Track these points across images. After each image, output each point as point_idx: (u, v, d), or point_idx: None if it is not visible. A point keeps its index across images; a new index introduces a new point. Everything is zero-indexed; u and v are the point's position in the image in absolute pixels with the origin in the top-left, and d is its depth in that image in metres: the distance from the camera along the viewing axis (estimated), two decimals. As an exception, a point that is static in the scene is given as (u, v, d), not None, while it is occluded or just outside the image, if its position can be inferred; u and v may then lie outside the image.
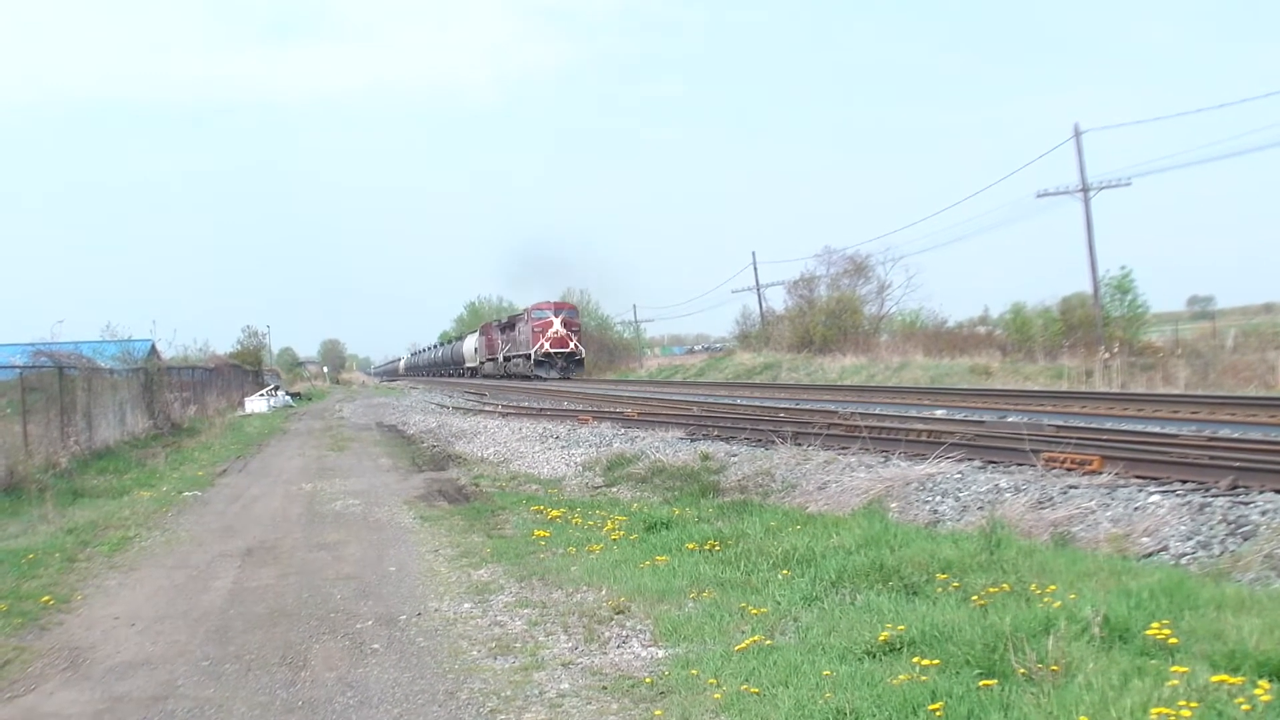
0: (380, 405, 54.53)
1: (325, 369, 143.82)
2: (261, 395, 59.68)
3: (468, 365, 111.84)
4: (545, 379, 72.42)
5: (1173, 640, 6.94)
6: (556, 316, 77.75)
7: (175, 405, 39.04)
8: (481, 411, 38.56)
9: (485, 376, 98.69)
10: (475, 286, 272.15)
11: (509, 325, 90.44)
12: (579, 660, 8.22)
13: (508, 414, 35.09)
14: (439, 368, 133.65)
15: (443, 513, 16.28)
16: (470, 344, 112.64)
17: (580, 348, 78.31)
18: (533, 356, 75.97)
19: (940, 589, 8.96)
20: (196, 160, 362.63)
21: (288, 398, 65.00)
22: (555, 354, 76.37)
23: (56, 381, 25.28)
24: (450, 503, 17.39)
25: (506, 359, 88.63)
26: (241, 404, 56.51)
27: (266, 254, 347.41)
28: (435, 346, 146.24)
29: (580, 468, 20.67)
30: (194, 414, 42.33)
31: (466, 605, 10.21)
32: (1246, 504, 10.55)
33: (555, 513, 15.07)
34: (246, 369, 76.83)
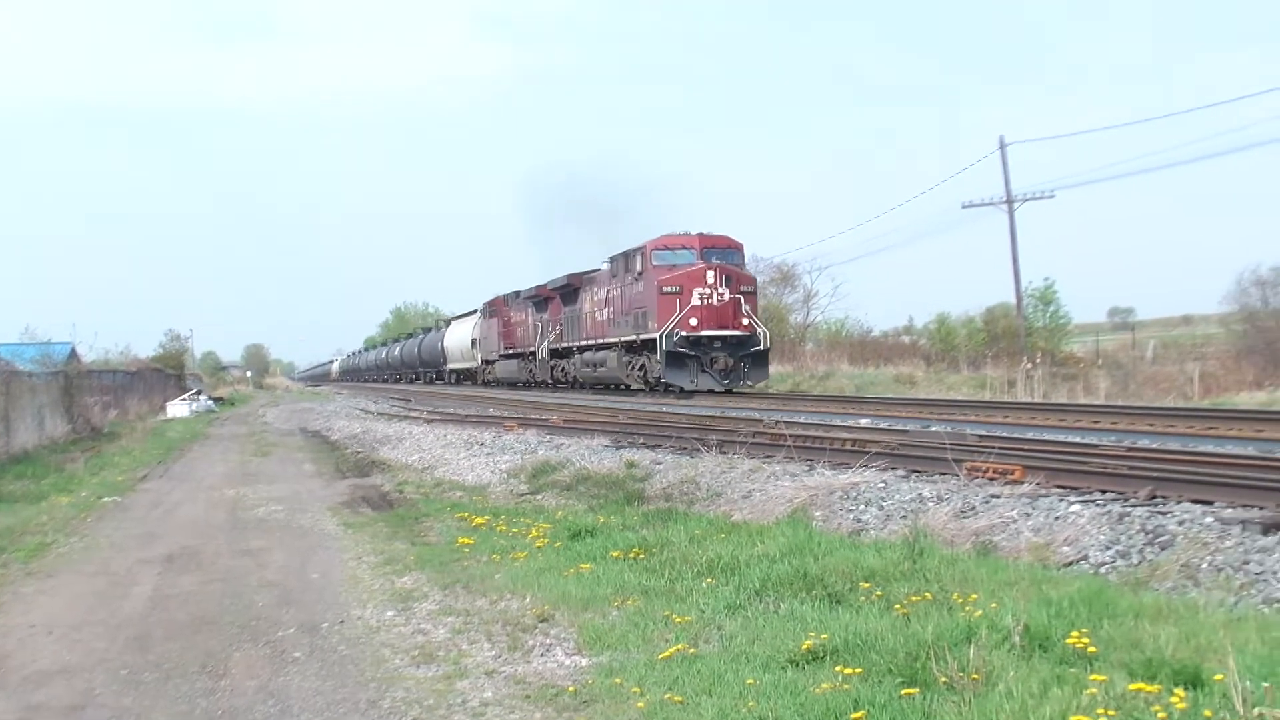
0: (304, 410, 54.14)
1: (249, 374, 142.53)
2: (184, 400, 59.01)
3: (453, 367, 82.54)
4: (690, 391, 40.21)
5: (1092, 649, 7.01)
6: (709, 264, 41.10)
7: (96, 409, 38.62)
8: (407, 418, 38.37)
9: (494, 384, 67.77)
10: (402, 293, 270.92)
11: (565, 293, 54.01)
12: (502, 669, 8.19)
13: (433, 420, 34.94)
14: (392, 371, 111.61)
15: (366, 519, 16.19)
16: (460, 334, 79.61)
17: (760, 327, 41.77)
18: (662, 345, 40.23)
19: (863, 598, 9.00)
20: (118, 161, 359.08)
21: (210, 402, 64.28)
22: (714, 339, 40.46)
23: (-28, 385, 24.92)
24: (374, 509, 17.30)
25: (560, 354, 55.30)
26: (163, 408, 55.85)
27: (190, 257, 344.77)
28: (391, 344, 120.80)
29: (505, 475, 20.61)
30: (115, 418, 41.91)
31: (390, 613, 10.16)
32: (1164, 514, 10.67)
33: (480, 520, 15.01)
34: (169, 373, 76.06)
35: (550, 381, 57.06)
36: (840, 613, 8.59)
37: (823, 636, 7.70)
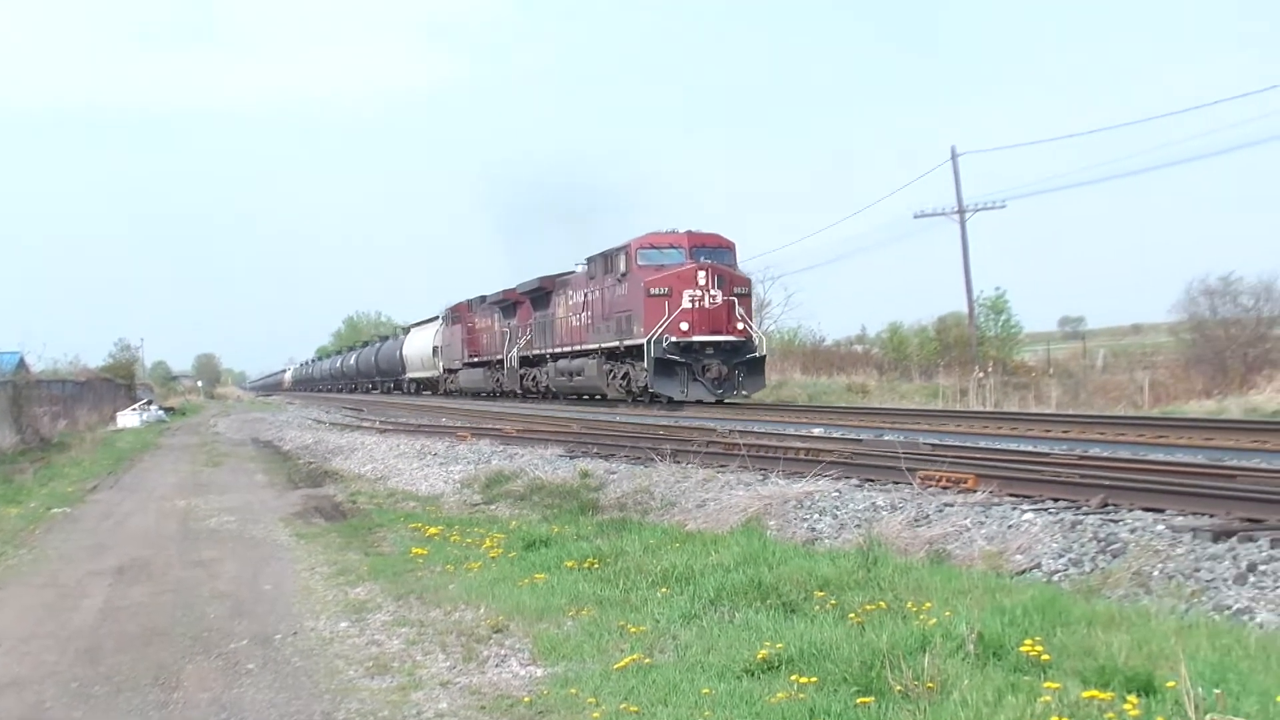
0: (256, 420, 53.82)
1: (200, 383, 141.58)
2: (134, 410, 58.65)
3: (413, 376, 79.26)
4: (679, 401, 37.21)
5: (1045, 657, 7.04)
6: (699, 264, 38.19)
7: (44, 420, 38.31)
8: (359, 428, 38.21)
9: (457, 395, 65.28)
10: (355, 302, 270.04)
11: (536, 297, 50.96)
12: (457, 680, 8.16)
13: (385, 430, 34.80)
14: (347, 380, 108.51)
15: (319, 530, 16.11)
16: (421, 342, 76.57)
17: (757, 333, 39.71)
18: (649, 352, 37.16)
19: (818, 607, 9.02)
20: (68, 168, 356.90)
21: (161, 412, 63.84)
22: (706, 345, 37.37)
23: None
24: (327, 520, 17.22)
25: (531, 362, 52.08)
26: (114, 419, 55.47)
27: (140, 267, 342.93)
28: (347, 352, 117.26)
29: (459, 485, 20.55)
30: (64, 429, 41.55)
31: (343, 624, 10.11)
32: (1116, 521, 10.74)
33: (433, 530, 14.96)
34: (119, 383, 75.48)
35: (520, 392, 53.96)
36: (795, 622, 8.61)
37: (778, 646, 7.71)
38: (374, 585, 11.70)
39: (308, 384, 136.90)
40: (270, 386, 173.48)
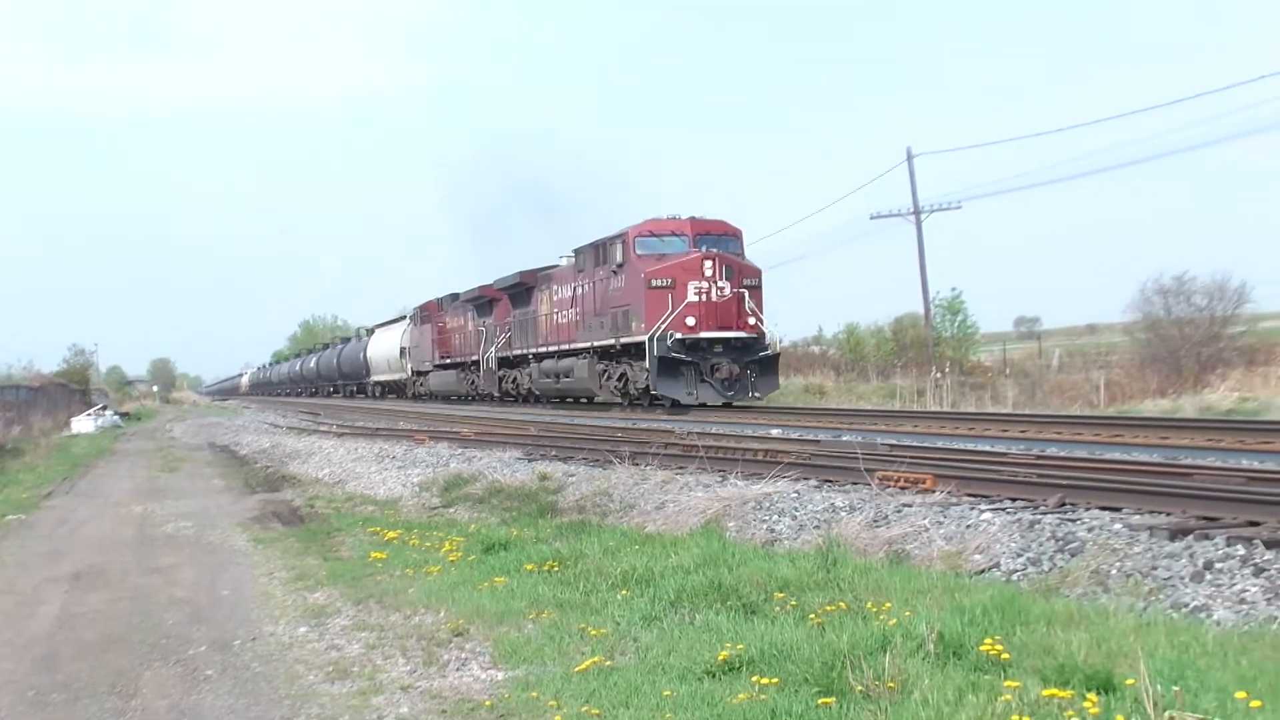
0: (212, 425, 53.56)
1: (155, 388, 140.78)
2: (89, 415, 58.26)
3: (378, 380, 76.45)
4: (685, 406, 34.11)
5: (1005, 656, 7.07)
6: (705, 253, 34.92)
7: (-2, 425, 38.04)
8: (316, 431, 38.08)
9: (425, 398, 62.81)
10: (311, 306, 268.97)
11: (516, 294, 48.10)
12: (418, 684, 8.12)
13: (343, 434, 34.69)
14: (307, 384, 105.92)
15: (277, 535, 16.03)
16: (387, 344, 73.29)
17: (769, 329, 35.52)
18: (651, 350, 33.86)
19: (778, 608, 9.03)
20: (21, 174, 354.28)
21: (116, 417, 63.44)
22: (714, 343, 34.35)
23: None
24: (285, 525, 17.13)
25: (510, 363, 49.16)
26: (68, 424, 55.11)
27: (94, 271, 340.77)
28: (306, 355, 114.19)
29: (417, 488, 20.50)
30: (18, 434, 41.26)
31: (302, 629, 10.06)
32: (1074, 521, 10.79)
33: (392, 534, 14.91)
34: (73, 388, 75.07)
35: (498, 395, 50.80)
36: (756, 623, 8.61)
37: (739, 647, 7.71)
38: (333, 590, 11.64)
39: (265, 388, 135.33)
40: (226, 391, 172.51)
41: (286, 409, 69.51)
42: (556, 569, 11.52)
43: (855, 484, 14.19)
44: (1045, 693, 6.26)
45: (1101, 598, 8.96)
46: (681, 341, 33.86)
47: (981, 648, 7.18)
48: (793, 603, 9.09)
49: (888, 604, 8.59)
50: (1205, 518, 10.28)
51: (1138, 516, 10.66)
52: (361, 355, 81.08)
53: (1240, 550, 9.08)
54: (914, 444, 18.85)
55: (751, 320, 34.82)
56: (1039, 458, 15.74)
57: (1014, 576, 10.01)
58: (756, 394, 35.08)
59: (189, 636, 10.01)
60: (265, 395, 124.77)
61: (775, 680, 7.01)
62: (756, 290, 35.54)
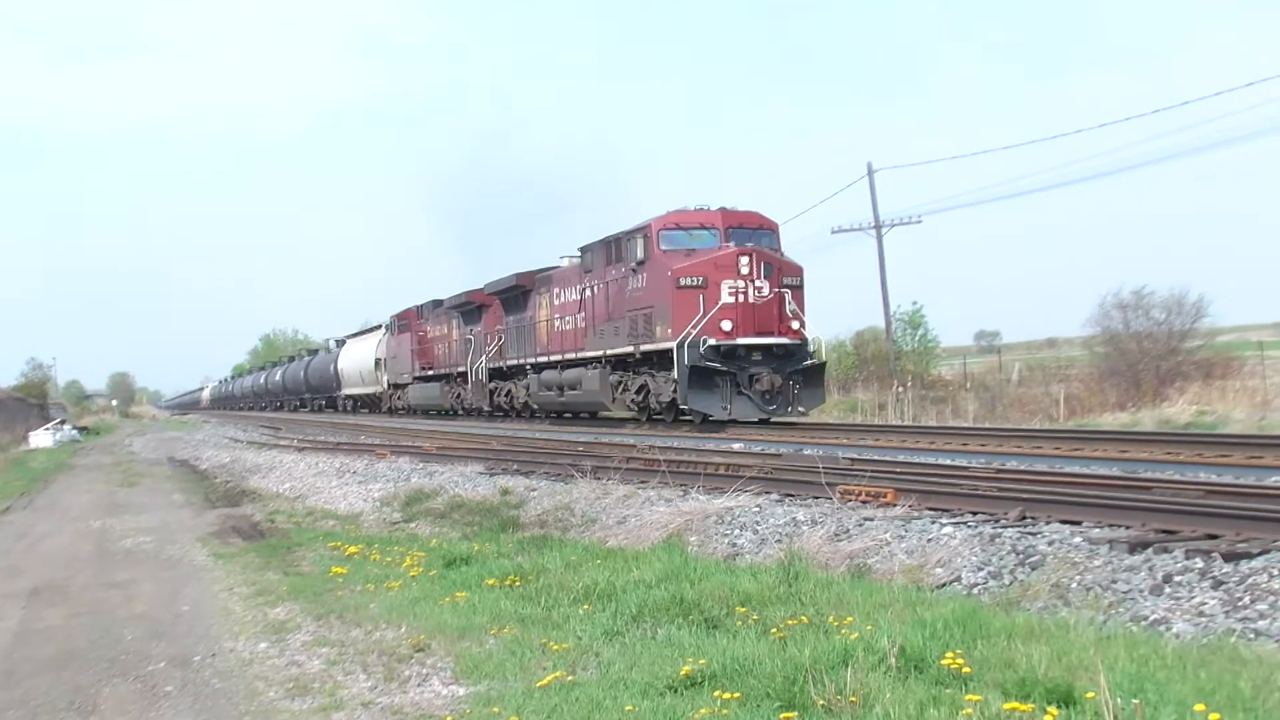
0: (172, 440, 53.27)
1: (114, 402, 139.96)
2: (47, 429, 57.89)
3: (350, 393, 72.75)
4: (719, 423, 30.35)
5: (966, 669, 7.08)
6: (742, 248, 30.90)
7: (-45, 440, 37.77)
8: (276, 446, 37.92)
9: (403, 413, 59.25)
10: (272, 320, 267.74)
11: (509, 298, 44.49)
12: (379, 699, 8.09)
13: (304, 448, 34.55)
14: (272, 398, 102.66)
15: (238, 550, 15.94)
16: (360, 355, 69.40)
17: (812, 334, 31.82)
18: (681, 359, 29.95)
19: (740, 622, 9.03)
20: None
21: (75, 432, 63.12)
22: (753, 350, 30.37)
23: None
24: (245, 539, 17.05)
25: (503, 374, 45.42)
26: (26, 438, 54.76)
27: (53, 284, 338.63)
28: (271, 368, 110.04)
29: (378, 503, 20.44)
30: (-25, 449, 40.96)
31: (263, 645, 10.00)
32: (1034, 534, 10.83)
33: (353, 549, 14.86)
34: (31, 402, 74.59)
35: (488, 410, 46.76)
36: (718, 637, 8.61)
37: (701, 662, 7.70)
38: (294, 605, 11.58)
39: (227, 402, 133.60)
40: (187, 405, 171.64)
41: (247, 423, 69.18)
42: (518, 584, 11.51)
43: (817, 498, 14.20)
44: (1006, 706, 6.27)
45: (1062, 611, 8.99)
46: (716, 348, 29.84)
47: (943, 661, 7.19)
48: (755, 617, 9.09)
49: (849, 618, 8.59)
50: (1164, 531, 10.33)
51: (1098, 530, 10.72)
52: (332, 367, 77.57)
53: (1199, 563, 9.13)
54: (875, 458, 18.89)
55: (795, 324, 30.99)
56: (999, 471, 15.79)
57: (975, 590, 10.04)
58: (800, 409, 31.00)
59: (148, 652, 9.94)
60: (227, 410, 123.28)
61: (737, 695, 7.00)
62: (798, 291, 31.70)
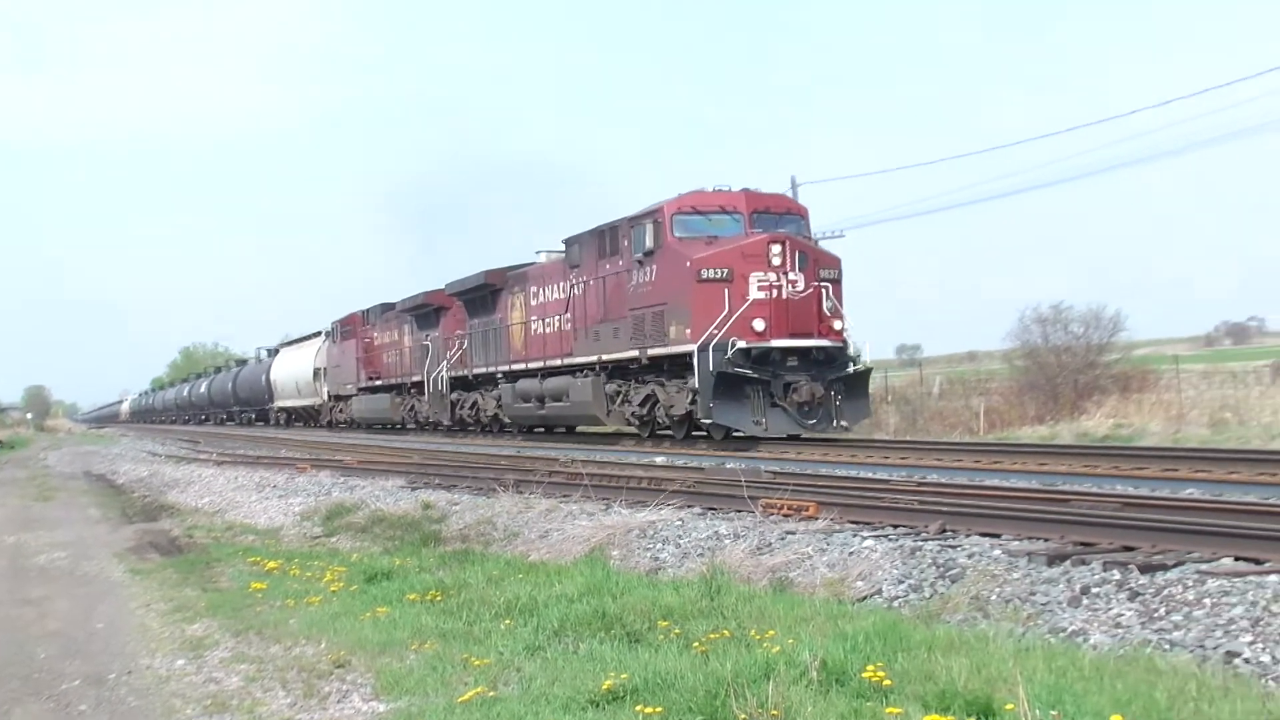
0: (89, 454, 52.56)
1: (29, 416, 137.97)
2: (-41, 444, 57.01)
3: (284, 405, 68.43)
4: (752, 440, 26.12)
5: (887, 682, 7.11)
6: (773, 234, 26.66)
7: None
8: (196, 460, 37.54)
9: (346, 427, 55.66)
10: (192, 333, 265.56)
11: (474, 300, 40.25)
12: (298, 716, 8.01)
13: (223, 462, 34.23)
14: (196, 411, 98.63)
15: (155, 566, 15.75)
16: (296, 364, 65.40)
17: (855, 336, 27.55)
18: (704, 364, 25.48)
19: (662, 636, 9.02)
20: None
21: (-13, 446, 62.19)
22: (790, 353, 26.25)
23: None
24: (163, 555, 16.85)
25: (467, 384, 41.15)
26: (-64, 453, 53.91)
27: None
28: (195, 380, 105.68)
29: (298, 517, 20.28)
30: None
31: (180, 662, 9.87)
32: (954, 547, 10.91)
33: (273, 564, 14.73)
34: (-57, 416, 73.36)
35: (449, 424, 42.45)
36: (640, 652, 8.60)
37: (622, 676, 7.68)
38: (212, 621, 11.45)
39: (148, 415, 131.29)
40: (105, 419, 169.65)
41: (166, 437, 68.45)
42: (440, 598, 11.45)
43: (739, 511, 14.23)
44: (926, 718, 6.30)
45: (981, 623, 9.05)
46: (746, 352, 25.54)
47: (864, 674, 7.21)
48: (676, 631, 9.09)
49: (771, 631, 8.61)
50: (1082, 543, 10.43)
51: (1017, 542, 10.80)
52: (263, 378, 72.63)
53: (1116, 575, 9.21)
54: (797, 471, 18.97)
55: (836, 324, 26.82)
56: (921, 484, 15.88)
57: (896, 603, 10.08)
58: (843, 423, 26.54)
59: (62, 670, 9.79)
60: (148, 423, 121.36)
61: (659, 709, 6.99)
62: (837, 286, 27.29)
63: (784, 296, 25.92)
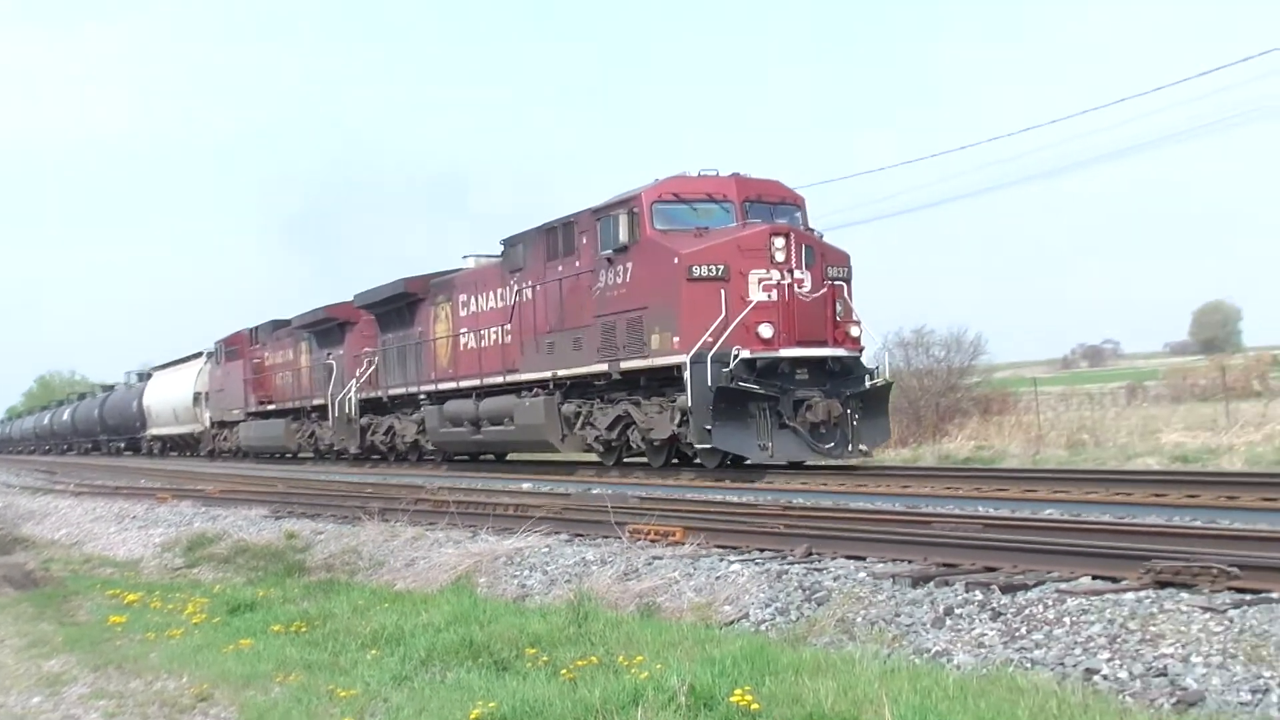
0: (-61, 486, 51.25)
1: None
2: None
3: (159, 433, 63.98)
4: (758, 468, 22.07)
5: (755, 706, 7.13)
6: (774, 225, 22.70)
7: None
8: (52, 491, 36.71)
9: (231, 456, 51.53)
10: (47, 362, 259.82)
11: (388, 313, 36.17)
12: (159, 753, 7.87)
13: (81, 493, 33.49)
14: (58, 440, 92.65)
15: (9, 600, 15.38)
16: (173, 388, 60.65)
17: (872, 344, 24.08)
18: (699, 378, 21.43)
19: (530, 664, 9.00)
20: None
21: None
22: (800, 364, 22.12)
23: None
24: (17, 589, 16.46)
25: (379, 407, 36.70)
26: None
27: None
28: (56, 408, 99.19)
29: (159, 548, 19.95)
30: None
31: (36, 699, 9.63)
32: (820, 570, 10.97)
33: (133, 596, 14.45)
34: None
35: (356, 451, 38.16)
36: (507, 680, 8.56)
37: (490, 705, 7.63)
38: (70, 656, 11.19)
39: (3, 446, 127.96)
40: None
41: (20, 468, 66.78)
42: (304, 629, 11.33)
43: (606, 537, 14.20)
44: (794, 742, 6.34)
45: (848, 645, 9.12)
46: (750, 363, 21.78)
47: (732, 698, 7.23)
48: (544, 658, 9.06)
49: (639, 657, 8.61)
50: (945, 564, 10.54)
51: (881, 565, 10.88)
52: (135, 404, 67.22)
53: (978, 595, 9.33)
54: (664, 495, 18.98)
55: (852, 330, 23.30)
56: (786, 508, 15.96)
57: (763, 626, 10.13)
58: (862, 447, 22.72)
59: (-89, 710, 9.53)
60: (4, 453, 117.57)
61: (527, 737, 6.97)
62: (847, 285, 23.65)
63: (790, 298, 22.19)
